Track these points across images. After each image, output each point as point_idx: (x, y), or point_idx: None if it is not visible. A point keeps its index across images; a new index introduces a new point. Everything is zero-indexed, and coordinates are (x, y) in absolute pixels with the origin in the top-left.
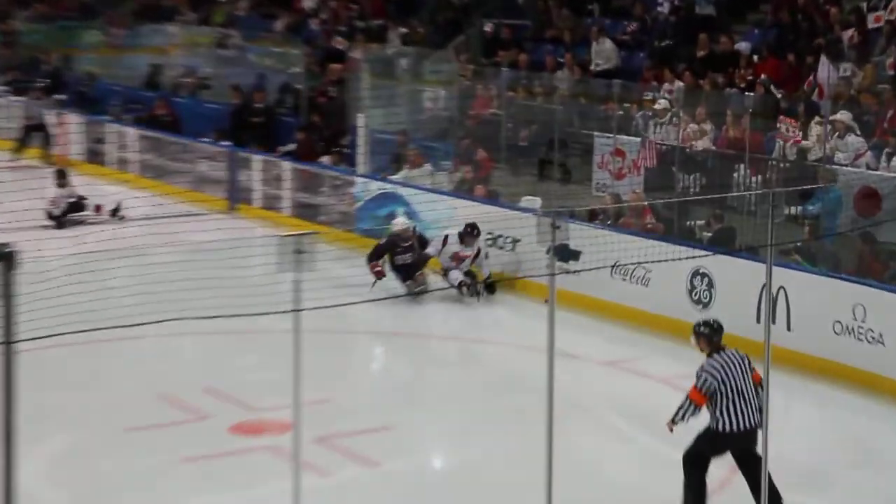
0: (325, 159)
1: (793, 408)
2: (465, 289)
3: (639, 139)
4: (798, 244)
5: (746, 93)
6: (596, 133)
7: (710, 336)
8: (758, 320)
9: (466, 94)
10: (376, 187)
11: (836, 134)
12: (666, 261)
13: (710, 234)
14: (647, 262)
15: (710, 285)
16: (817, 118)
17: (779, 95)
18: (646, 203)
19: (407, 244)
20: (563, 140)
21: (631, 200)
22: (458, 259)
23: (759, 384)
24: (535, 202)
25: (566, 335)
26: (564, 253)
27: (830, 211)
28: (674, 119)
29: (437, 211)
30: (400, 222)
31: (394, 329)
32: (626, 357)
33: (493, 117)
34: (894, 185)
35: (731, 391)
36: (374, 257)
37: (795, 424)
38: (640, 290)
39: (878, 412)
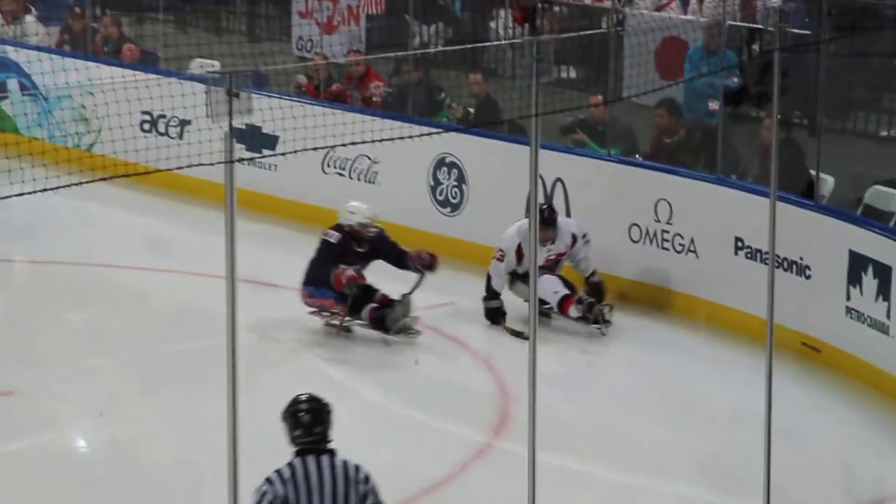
0: None
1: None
2: (600, 323)
3: None
4: (580, 116)
5: None
6: None
7: None
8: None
9: None
10: None
11: None
12: (390, 140)
13: (459, 109)
14: (368, 144)
15: (461, 179)
16: None
17: None
18: (368, 65)
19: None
20: None
21: (349, 62)
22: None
23: None
24: None
25: (258, 255)
26: (252, 137)
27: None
28: None
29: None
30: (357, 209)
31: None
32: None
33: None
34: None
35: None
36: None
37: (583, 370)
38: (365, 189)
39: (706, 355)
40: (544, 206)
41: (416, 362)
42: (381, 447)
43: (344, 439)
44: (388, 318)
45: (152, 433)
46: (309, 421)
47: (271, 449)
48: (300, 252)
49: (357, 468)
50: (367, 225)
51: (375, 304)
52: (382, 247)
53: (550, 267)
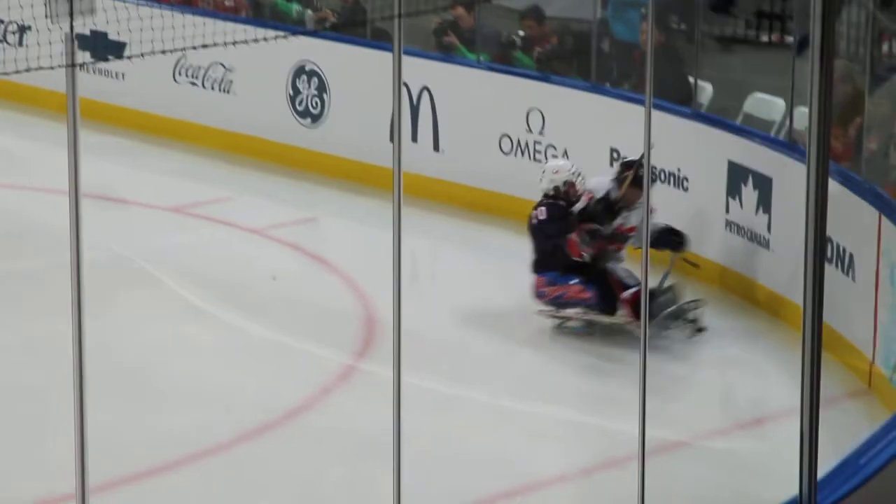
0: None
1: (444, 260)
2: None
3: None
4: (449, 18)
5: None
6: None
7: None
8: (391, 138)
9: None
10: None
11: None
12: (244, 42)
13: (330, 14)
14: (223, 50)
15: (322, 88)
16: None
17: None
18: None
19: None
20: None
21: None
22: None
23: None
24: None
25: (108, 169)
26: (97, 43)
27: None
28: None
29: None
30: (560, 168)
31: None
32: (199, 199)
33: None
34: None
35: None
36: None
37: (447, 284)
38: (220, 99)
39: None
40: (638, 161)
41: (274, 278)
42: (240, 371)
43: (203, 364)
44: (657, 304)
45: None
46: None
47: (121, 373)
48: (151, 166)
49: None
50: (575, 183)
51: (634, 288)
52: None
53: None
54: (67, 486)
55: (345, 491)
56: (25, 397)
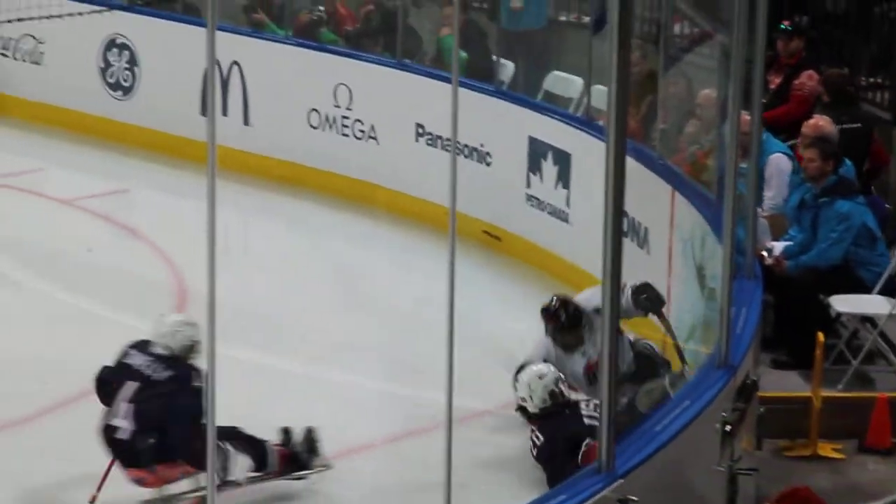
0: None
1: (256, 236)
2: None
3: None
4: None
5: None
6: None
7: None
8: (202, 112)
9: None
10: None
11: None
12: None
13: None
14: (35, 22)
15: (133, 62)
16: None
17: None
18: None
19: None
20: None
21: None
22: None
23: None
24: None
25: None
26: None
27: None
28: None
29: None
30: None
31: None
32: (11, 170)
33: None
34: None
35: None
36: None
37: (261, 260)
38: (31, 70)
39: (375, 239)
40: (555, 306)
41: (90, 250)
42: (51, 340)
43: (10, 333)
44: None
45: None
46: None
47: None
48: None
49: None
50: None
51: None
52: None
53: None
54: None
55: None
56: None
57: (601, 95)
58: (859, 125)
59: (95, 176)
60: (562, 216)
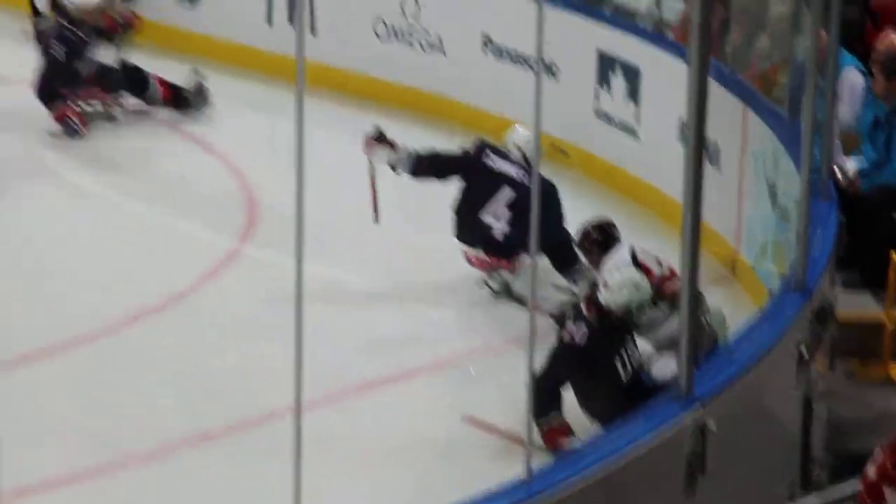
0: None
1: (333, 150)
2: None
3: None
4: None
5: None
6: None
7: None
8: (267, 20)
9: None
10: None
11: None
12: None
13: None
14: None
15: None
16: None
17: None
18: None
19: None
20: None
21: None
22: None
23: None
24: None
25: None
26: None
27: None
28: None
29: None
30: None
31: None
32: None
33: None
34: None
35: None
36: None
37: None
38: None
39: None
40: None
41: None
42: (123, 253)
43: (85, 245)
44: None
45: None
46: None
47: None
48: None
49: None
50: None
51: None
52: None
53: None
54: None
55: (237, 371)
56: None
57: (672, 8)
58: None
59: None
60: (631, 131)
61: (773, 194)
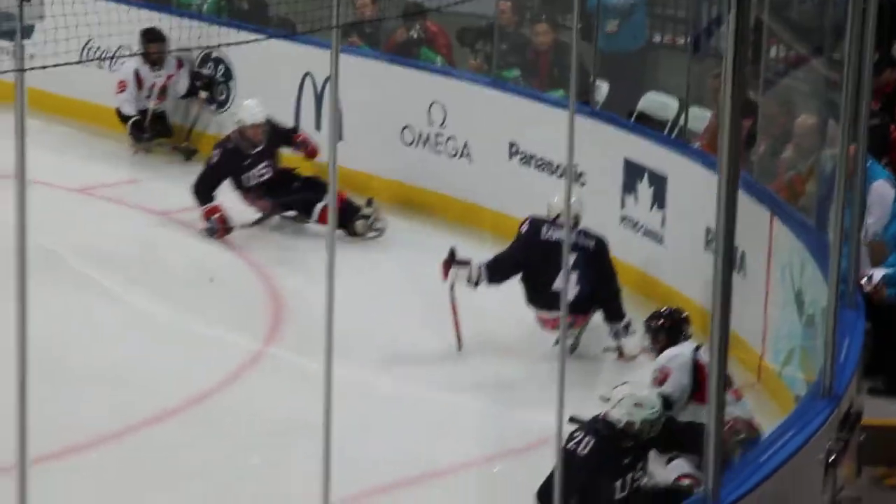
0: None
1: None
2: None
3: None
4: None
5: None
6: None
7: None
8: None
9: None
10: None
11: None
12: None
13: None
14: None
15: (228, 75)
16: None
17: None
18: None
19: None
20: None
21: None
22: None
23: None
24: None
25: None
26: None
27: None
28: None
29: None
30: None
31: None
32: (108, 181)
33: None
34: None
35: None
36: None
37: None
38: None
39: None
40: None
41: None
42: (149, 356)
43: (111, 347)
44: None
45: None
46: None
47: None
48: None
49: None
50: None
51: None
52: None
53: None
54: None
55: (259, 474)
56: None
57: (697, 117)
58: None
59: (182, 186)
60: (656, 238)
61: (799, 302)
